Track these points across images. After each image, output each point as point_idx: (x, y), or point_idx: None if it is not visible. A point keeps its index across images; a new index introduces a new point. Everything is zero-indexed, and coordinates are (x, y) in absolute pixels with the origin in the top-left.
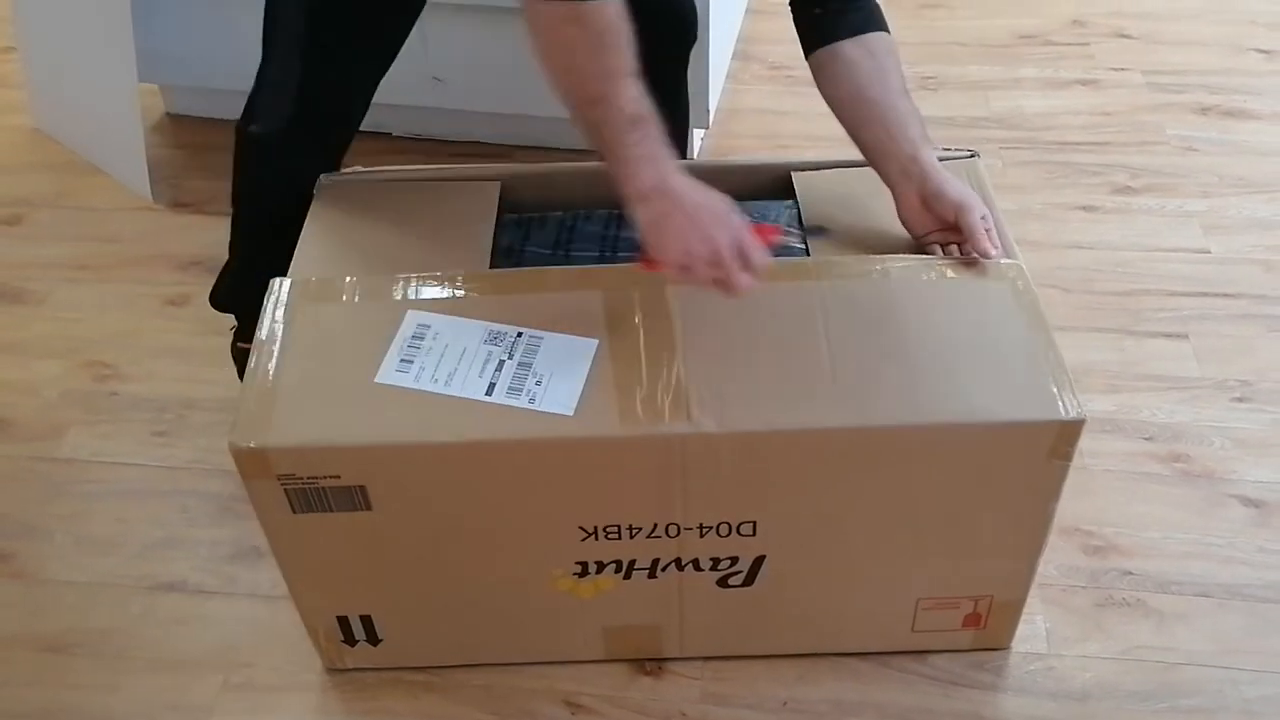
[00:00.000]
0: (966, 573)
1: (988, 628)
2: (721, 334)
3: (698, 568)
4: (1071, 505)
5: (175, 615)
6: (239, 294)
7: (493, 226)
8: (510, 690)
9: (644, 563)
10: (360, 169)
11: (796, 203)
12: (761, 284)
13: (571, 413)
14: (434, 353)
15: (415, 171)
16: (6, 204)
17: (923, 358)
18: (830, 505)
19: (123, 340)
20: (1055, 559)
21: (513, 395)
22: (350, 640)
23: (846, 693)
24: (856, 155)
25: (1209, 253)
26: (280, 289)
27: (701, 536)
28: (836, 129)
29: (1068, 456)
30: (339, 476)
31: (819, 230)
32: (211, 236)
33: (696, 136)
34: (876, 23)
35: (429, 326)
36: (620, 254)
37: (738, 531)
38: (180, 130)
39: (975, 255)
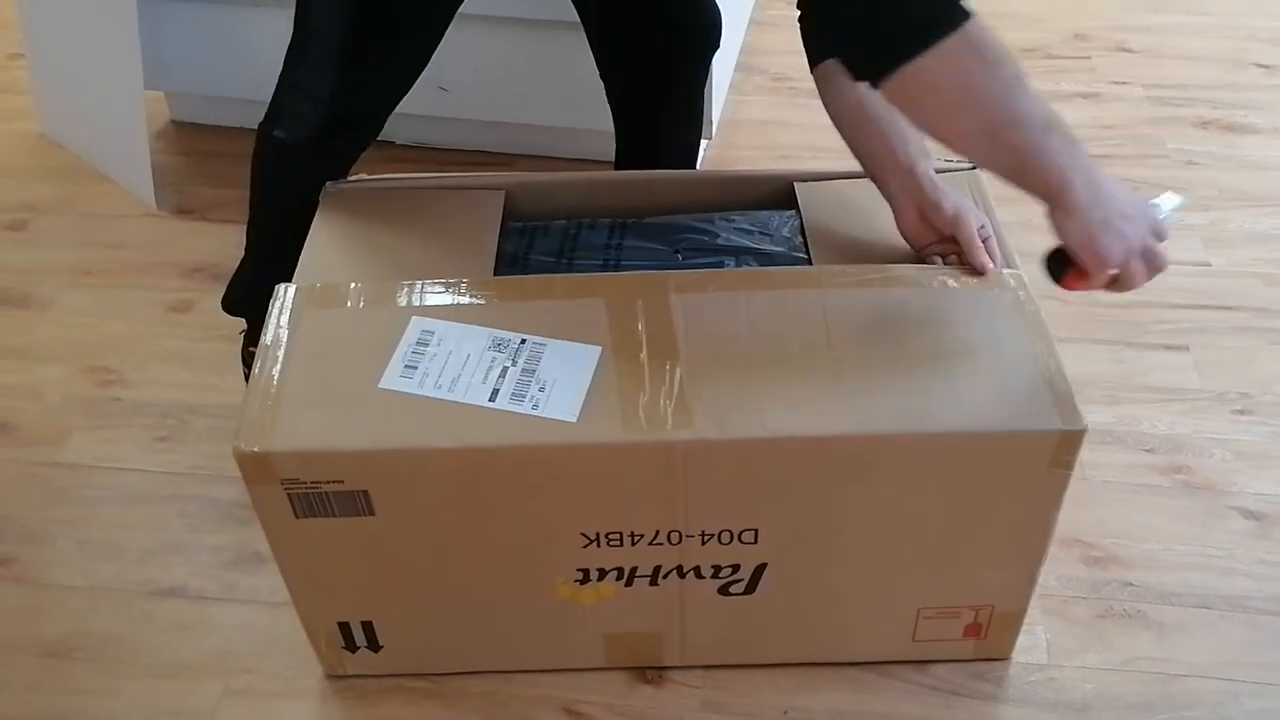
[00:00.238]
0: (967, 582)
1: (988, 638)
2: (724, 342)
3: (699, 575)
4: (1072, 516)
5: (176, 621)
6: (252, 298)
7: (497, 234)
8: (511, 698)
9: (646, 570)
10: (365, 176)
11: (799, 213)
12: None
13: (574, 419)
14: (438, 359)
15: (420, 179)
16: (12, 209)
17: (924, 366)
18: (832, 513)
19: (126, 346)
20: (1056, 570)
21: (516, 402)
22: (351, 646)
23: (847, 702)
24: (859, 166)
25: (1210, 266)
26: (285, 294)
27: (703, 544)
28: (839, 140)
29: (1069, 466)
30: (342, 481)
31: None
32: (215, 243)
33: (700, 147)
34: None
35: (433, 333)
36: (623, 263)
37: (739, 539)
38: (185, 137)
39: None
